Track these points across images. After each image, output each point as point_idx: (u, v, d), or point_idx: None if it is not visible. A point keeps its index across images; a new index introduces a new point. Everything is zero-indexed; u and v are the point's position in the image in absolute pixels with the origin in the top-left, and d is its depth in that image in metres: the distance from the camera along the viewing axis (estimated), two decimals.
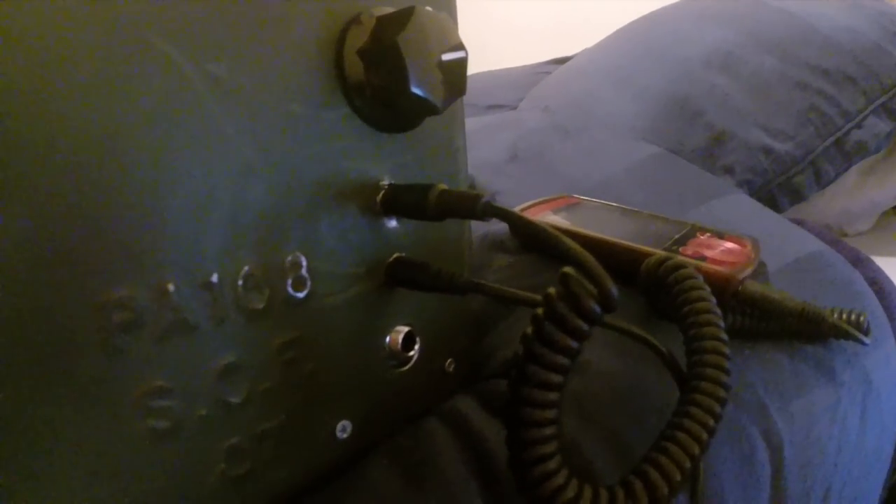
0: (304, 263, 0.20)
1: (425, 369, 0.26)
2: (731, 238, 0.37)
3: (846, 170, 0.56)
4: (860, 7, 0.61)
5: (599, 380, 0.27)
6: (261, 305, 0.19)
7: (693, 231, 0.38)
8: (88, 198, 0.15)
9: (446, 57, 0.21)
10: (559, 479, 0.19)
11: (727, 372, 0.22)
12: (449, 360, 0.28)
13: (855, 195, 0.63)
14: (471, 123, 0.69)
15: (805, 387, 0.31)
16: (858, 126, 0.55)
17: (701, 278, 0.25)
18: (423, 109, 0.21)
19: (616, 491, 0.20)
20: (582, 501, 0.19)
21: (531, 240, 0.37)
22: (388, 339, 0.24)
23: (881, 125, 0.55)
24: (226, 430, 0.18)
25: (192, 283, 0.17)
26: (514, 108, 0.75)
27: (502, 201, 0.47)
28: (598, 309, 0.18)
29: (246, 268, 0.18)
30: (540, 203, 0.40)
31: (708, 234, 0.37)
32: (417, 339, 0.25)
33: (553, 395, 0.19)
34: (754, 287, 0.31)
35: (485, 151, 0.57)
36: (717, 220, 0.44)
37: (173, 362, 0.17)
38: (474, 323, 0.30)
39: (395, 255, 0.23)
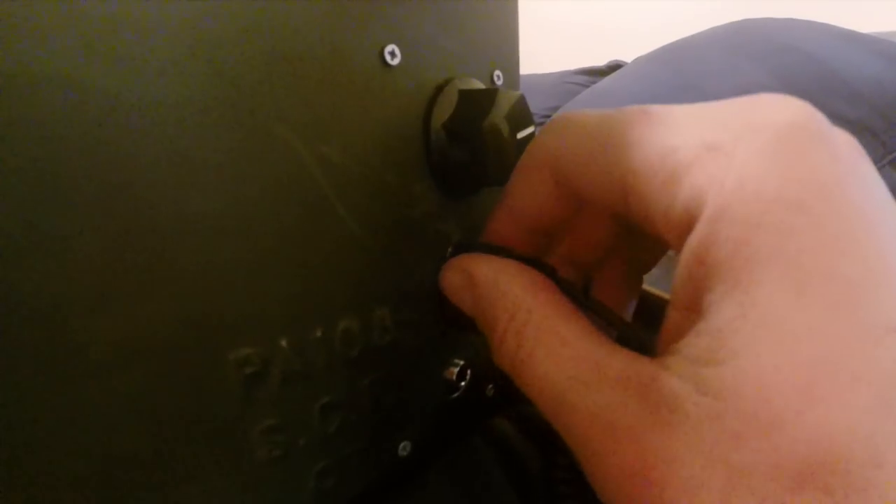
0: (390, 317, 0.23)
1: (470, 395, 0.29)
2: None
3: None
4: (889, 57, 0.63)
5: None
6: (354, 354, 0.22)
7: None
8: (220, 273, 0.18)
9: (520, 135, 0.24)
10: None
11: None
12: (490, 387, 0.31)
13: None
14: None
15: None
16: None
17: None
18: (493, 181, 0.24)
19: None
20: None
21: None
22: (446, 372, 0.27)
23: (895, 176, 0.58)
24: (320, 455, 0.22)
25: (302, 340, 0.20)
26: (545, 116, 0.77)
27: None
28: None
29: (343, 324, 0.21)
30: None
31: None
32: (468, 372, 0.28)
33: None
34: None
35: None
36: None
37: (289, 403, 0.20)
38: None
39: None
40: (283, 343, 0.20)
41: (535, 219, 0.21)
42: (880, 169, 0.57)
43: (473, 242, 0.26)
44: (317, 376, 0.21)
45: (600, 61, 1.04)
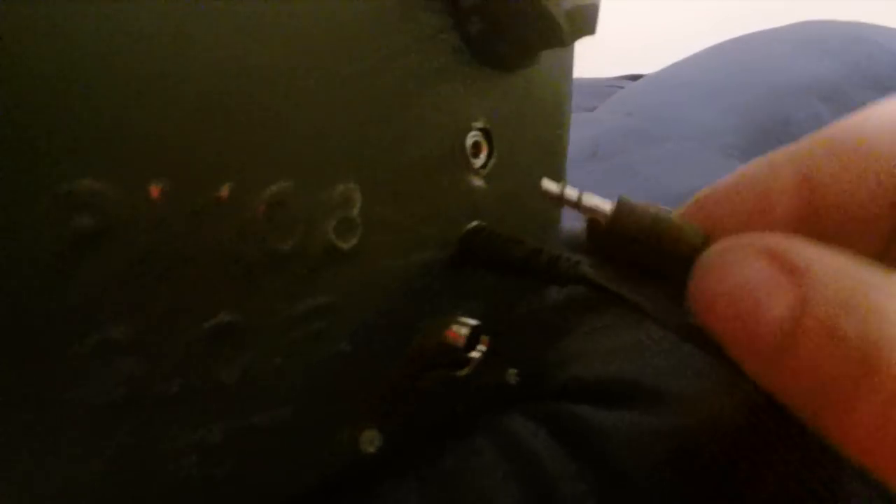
0: (358, 201, 0.14)
1: (485, 376, 0.20)
2: None
3: None
4: None
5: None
6: (286, 247, 0.13)
7: None
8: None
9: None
10: None
11: None
12: (513, 370, 0.21)
13: None
14: None
15: None
16: None
17: None
18: (545, 35, 0.15)
19: None
20: None
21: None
22: (448, 331, 0.18)
23: None
24: (202, 415, 0.12)
25: (191, 192, 0.11)
26: (589, 110, 0.70)
27: None
28: None
29: (273, 187, 0.12)
30: None
31: None
32: (482, 339, 0.19)
33: None
34: None
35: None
36: None
37: (140, 302, 0.11)
38: (546, 327, 0.24)
39: (475, 224, 0.17)
40: (152, 188, 0.11)
41: None
42: None
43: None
44: (206, 266, 0.12)
45: (623, 71, 0.99)
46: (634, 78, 0.92)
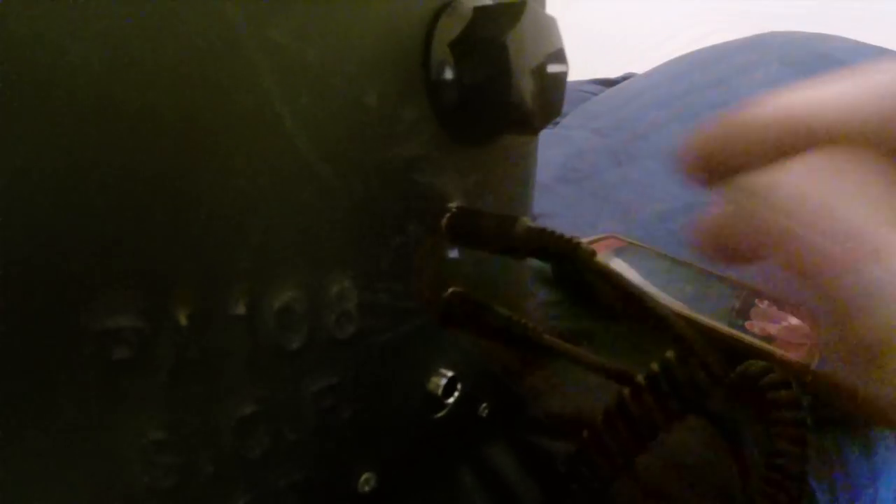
0: (354, 296, 0.16)
1: (460, 415, 0.22)
2: (791, 309, 0.34)
3: None
4: None
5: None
6: (296, 346, 0.15)
7: (752, 296, 0.35)
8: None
9: (551, 68, 0.18)
10: None
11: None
12: (483, 405, 0.24)
13: None
14: None
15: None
16: None
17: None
18: (516, 123, 0.18)
19: None
20: None
21: (628, 305, 0.35)
22: (429, 384, 0.20)
23: None
24: (237, 489, 0.15)
25: (210, 313, 0.13)
26: (557, 123, 0.72)
27: (549, 223, 0.44)
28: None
29: (281, 297, 0.15)
30: (591, 242, 0.37)
31: (767, 303, 0.35)
32: (459, 385, 0.21)
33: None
34: (825, 377, 0.28)
35: None
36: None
37: (181, 409, 0.13)
38: (514, 363, 0.27)
39: (451, 290, 0.20)
40: (180, 316, 0.13)
41: None
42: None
43: (480, 211, 0.19)
44: (230, 372, 0.14)
45: (613, 73, 1.00)
46: (606, 83, 0.94)
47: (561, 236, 0.17)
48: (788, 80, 0.62)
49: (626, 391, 0.16)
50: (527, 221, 0.18)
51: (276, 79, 0.13)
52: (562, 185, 0.52)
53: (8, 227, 0.10)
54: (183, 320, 0.13)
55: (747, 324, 0.31)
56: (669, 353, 0.16)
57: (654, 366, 0.16)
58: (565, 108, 0.89)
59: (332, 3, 0.14)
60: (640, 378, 0.16)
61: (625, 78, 0.98)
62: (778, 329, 0.32)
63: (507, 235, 0.17)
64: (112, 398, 0.12)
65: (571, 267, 0.18)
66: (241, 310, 0.14)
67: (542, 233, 0.17)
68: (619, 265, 0.36)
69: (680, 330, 0.16)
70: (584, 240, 0.39)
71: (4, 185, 0.10)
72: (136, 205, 0.12)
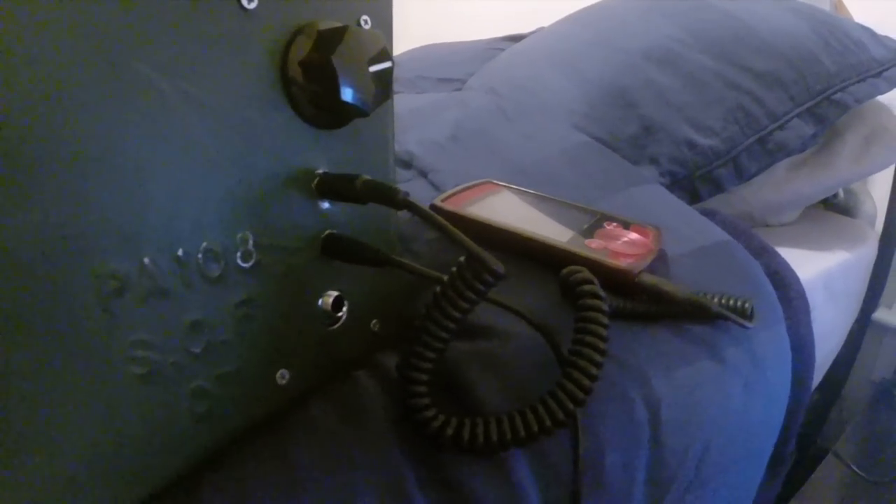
0: (252, 240, 0.24)
1: (353, 327, 0.31)
2: (636, 228, 0.42)
3: (768, 166, 0.60)
4: (804, 14, 0.64)
5: (505, 340, 0.32)
6: (217, 273, 0.23)
7: (601, 220, 0.42)
8: (87, 193, 0.19)
9: (374, 68, 0.25)
10: (429, 413, 0.26)
11: (604, 339, 0.28)
12: (374, 321, 0.32)
13: (781, 188, 0.67)
14: (420, 100, 0.72)
15: (689, 359, 0.35)
16: (782, 127, 0.58)
17: (597, 286, 0.30)
18: (353, 112, 0.26)
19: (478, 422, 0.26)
20: (448, 429, 0.26)
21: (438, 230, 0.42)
22: (321, 301, 0.28)
23: (805, 128, 0.58)
24: (191, 374, 0.23)
25: (164, 258, 0.21)
26: (464, 82, 0.78)
27: (441, 179, 0.51)
28: (489, 281, 0.24)
29: (204, 244, 0.23)
30: (464, 190, 0.45)
31: (615, 224, 0.42)
32: (346, 303, 0.30)
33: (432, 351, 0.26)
34: (649, 279, 0.36)
35: (430, 129, 0.60)
36: (635, 206, 0.49)
37: (151, 320, 0.21)
38: (401, 289, 0.35)
39: (327, 232, 0.28)
40: (146, 260, 0.21)
41: None
42: (788, 121, 0.58)
43: (339, 174, 0.27)
44: (178, 294, 0.22)
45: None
46: (515, 38, 0.98)
47: (386, 185, 0.25)
48: (670, 31, 0.68)
49: (438, 288, 0.25)
50: (364, 178, 0.25)
51: (190, 112, 0.21)
52: (454, 143, 0.58)
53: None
54: (147, 261, 0.21)
55: (587, 241, 0.39)
56: (461, 258, 0.24)
57: (453, 269, 0.25)
58: (471, 68, 0.94)
59: (218, 55, 0.22)
60: (444, 278, 0.25)
61: (533, 33, 1.02)
62: (616, 245, 0.39)
63: (350, 188, 0.25)
64: (105, 314, 0.20)
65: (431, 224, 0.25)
66: (179, 252, 0.22)
67: (376, 185, 0.25)
68: (490, 203, 0.44)
69: (467, 244, 0.24)
70: (461, 186, 0.46)
71: None
72: (126, 202, 0.20)
